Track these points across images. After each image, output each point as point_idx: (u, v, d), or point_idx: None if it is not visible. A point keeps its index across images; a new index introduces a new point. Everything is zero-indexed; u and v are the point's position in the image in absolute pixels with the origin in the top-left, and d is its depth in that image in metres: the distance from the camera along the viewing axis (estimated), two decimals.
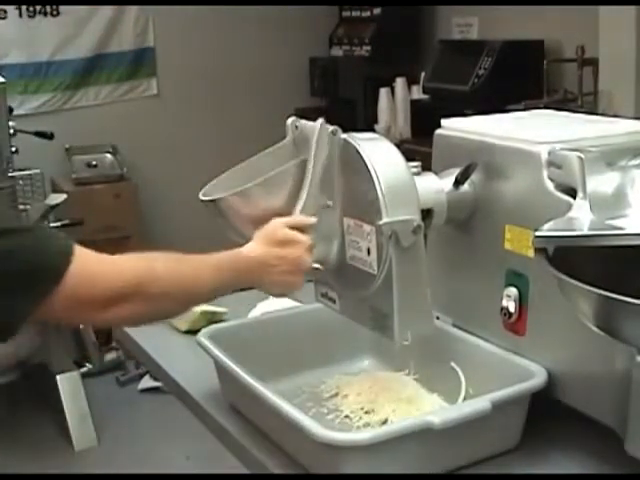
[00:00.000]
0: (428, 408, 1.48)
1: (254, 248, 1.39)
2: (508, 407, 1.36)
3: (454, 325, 1.60)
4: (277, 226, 1.41)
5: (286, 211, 1.45)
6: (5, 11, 4.45)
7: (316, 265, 1.46)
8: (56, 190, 4.18)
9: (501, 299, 1.48)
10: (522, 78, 3.89)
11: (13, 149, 3.52)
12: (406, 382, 1.57)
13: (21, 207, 3.55)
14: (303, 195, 1.44)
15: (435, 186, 1.52)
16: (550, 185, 1.40)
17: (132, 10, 4.69)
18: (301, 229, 1.42)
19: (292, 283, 1.43)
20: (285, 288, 1.46)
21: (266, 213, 1.45)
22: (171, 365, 1.75)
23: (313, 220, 1.44)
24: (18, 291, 1.18)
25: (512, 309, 1.47)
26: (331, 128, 1.43)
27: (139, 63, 4.77)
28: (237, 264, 1.38)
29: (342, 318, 1.56)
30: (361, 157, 1.39)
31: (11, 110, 3.66)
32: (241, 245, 1.44)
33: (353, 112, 4.67)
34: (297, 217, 1.44)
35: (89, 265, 1.23)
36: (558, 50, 4.02)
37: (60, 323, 1.24)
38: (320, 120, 1.44)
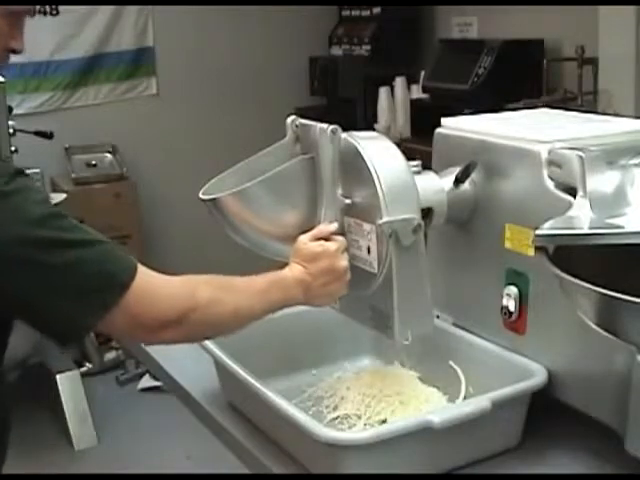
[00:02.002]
0: (428, 408, 1.48)
1: (293, 269, 1.40)
2: (508, 406, 1.36)
3: (454, 324, 1.60)
4: (302, 243, 1.42)
5: (286, 210, 1.45)
6: None
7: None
8: (56, 190, 4.18)
9: (501, 298, 1.48)
10: (522, 77, 3.89)
11: (13, 148, 3.52)
12: (406, 381, 1.57)
13: None
14: (323, 199, 1.44)
15: (435, 185, 1.52)
16: (550, 184, 1.40)
17: (132, 10, 4.68)
18: (326, 237, 1.43)
19: (336, 291, 1.44)
20: (331, 298, 1.46)
21: (266, 212, 1.45)
22: (171, 365, 1.75)
23: (334, 226, 1.44)
24: (82, 303, 1.20)
25: (512, 308, 1.47)
26: (331, 127, 1.43)
27: (139, 62, 4.77)
28: (281, 285, 1.38)
29: (342, 318, 1.56)
30: (361, 156, 1.38)
31: (11, 109, 3.66)
32: (242, 247, 1.45)
33: (353, 111, 4.66)
34: (318, 228, 1.44)
35: (151, 284, 1.25)
36: (558, 49, 4.02)
37: (122, 339, 1.28)
38: (319, 125, 1.44)
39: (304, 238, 1.43)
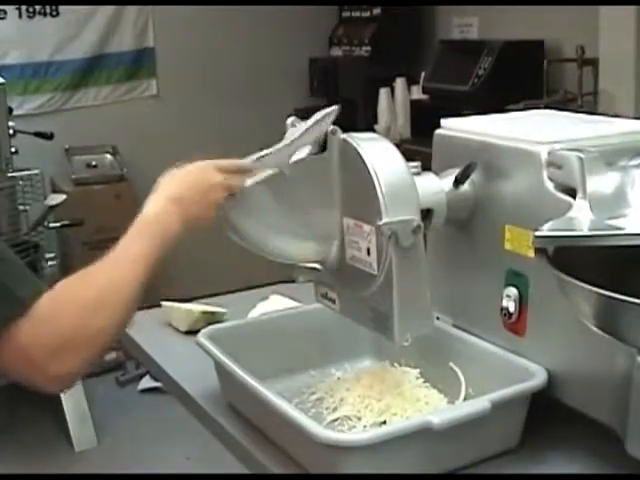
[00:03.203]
0: (428, 409, 1.48)
1: (150, 204, 1.31)
2: (508, 407, 1.36)
3: (454, 325, 1.60)
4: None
5: (286, 210, 1.45)
6: (5, 11, 4.45)
7: (315, 265, 1.46)
8: (56, 190, 4.18)
9: (501, 299, 1.48)
10: (522, 78, 3.89)
11: (13, 149, 3.52)
12: (406, 382, 1.56)
13: (21, 207, 3.55)
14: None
15: (435, 186, 1.52)
16: (550, 185, 1.40)
17: (132, 10, 4.69)
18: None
19: (211, 202, 1.35)
20: (208, 211, 1.36)
21: (265, 212, 1.45)
22: (171, 365, 1.75)
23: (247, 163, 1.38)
24: None
25: (512, 309, 1.47)
26: (331, 128, 1.43)
27: (139, 63, 4.77)
28: (144, 232, 1.27)
29: (342, 318, 1.56)
30: (361, 157, 1.38)
31: (11, 110, 3.66)
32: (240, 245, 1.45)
33: (353, 112, 4.67)
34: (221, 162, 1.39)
35: (47, 307, 1.15)
36: (558, 50, 4.02)
37: (12, 376, 1.15)
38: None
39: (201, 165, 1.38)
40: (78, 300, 1.18)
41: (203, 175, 1.36)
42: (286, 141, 1.43)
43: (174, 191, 1.33)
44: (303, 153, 1.42)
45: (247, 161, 1.41)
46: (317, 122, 1.43)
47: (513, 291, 1.47)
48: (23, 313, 1.13)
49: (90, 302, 1.18)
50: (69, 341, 1.15)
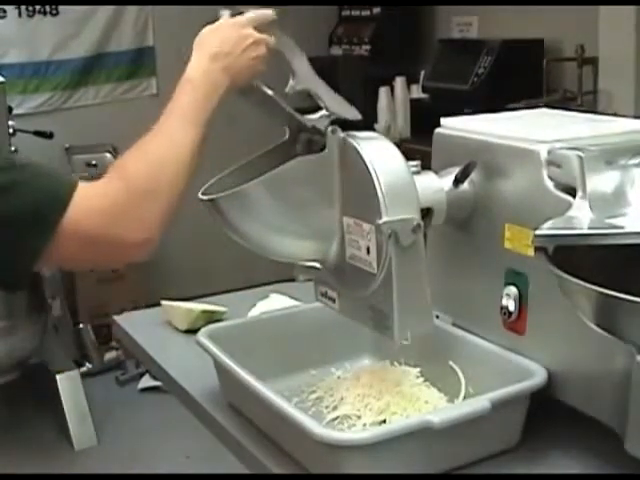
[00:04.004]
0: (428, 408, 1.48)
1: (194, 61, 1.32)
2: (508, 406, 1.36)
3: (454, 324, 1.60)
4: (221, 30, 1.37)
5: (286, 209, 1.45)
6: (4, 10, 4.45)
7: (315, 264, 1.46)
8: None
9: (501, 298, 1.48)
10: (522, 77, 3.89)
11: (12, 148, 3.52)
12: (406, 381, 1.56)
13: None
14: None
15: (435, 185, 1.52)
16: (550, 184, 1.40)
17: (132, 10, 4.69)
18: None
19: (256, 59, 1.37)
20: (253, 69, 1.40)
21: (266, 212, 1.45)
22: (171, 364, 1.75)
23: (269, 13, 1.40)
24: (24, 228, 1.13)
25: (512, 308, 1.47)
26: (330, 127, 1.43)
27: (139, 62, 4.77)
28: (196, 89, 1.29)
29: (342, 318, 1.56)
30: (360, 156, 1.38)
31: (10, 109, 3.66)
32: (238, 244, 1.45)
33: None
34: (246, 16, 1.39)
35: (92, 196, 1.19)
36: (558, 49, 4.02)
37: (79, 267, 1.19)
38: None
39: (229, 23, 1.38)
40: (143, 159, 1.23)
41: (238, 30, 1.36)
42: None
43: (214, 47, 1.33)
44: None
45: (269, 11, 1.41)
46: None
47: (513, 290, 1.47)
48: (68, 201, 1.15)
49: (155, 159, 1.23)
50: (144, 194, 1.19)
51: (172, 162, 1.24)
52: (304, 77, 1.44)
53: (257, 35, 1.38)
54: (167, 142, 1.25)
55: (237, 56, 1.34)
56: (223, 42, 1.34)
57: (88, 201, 1.18)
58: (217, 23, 1.38)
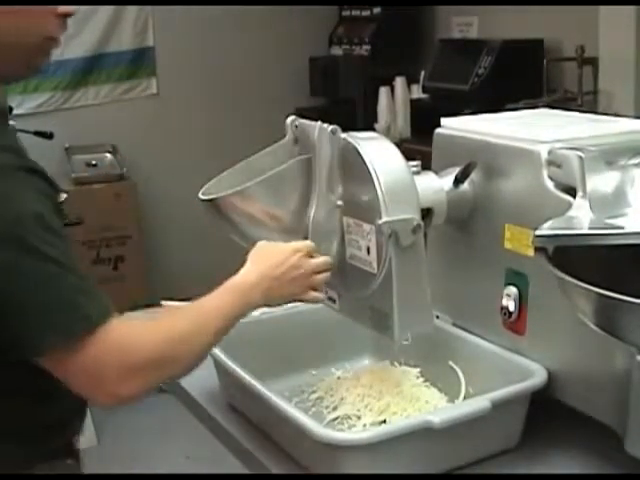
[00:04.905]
0: (428, 408, 1.48)
1: (247, 272, 1.36)
2: (508, 406, 1.36)
3: (454, 324, 1.60)
4: (262, 243, 1.40)
5: (285, 210, 1.45)
6: None
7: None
8: None
9: (501, 298, 1.48)
10: (522, 77, 3.88)
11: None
12: (406, 381, 1.56)
13: None
14: (314, 198, 1.43)
15: (435, 185, 1.52)
16: (550, 184, 1.40)
17: (132, 10, 4.68)
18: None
19: (293, 292, 1.39)
20: (286, 299, 1.42)
21: (265, 212, 1.45)
22: None
23: (329, 260, 1.43)
24: (44, 319, 1.12)
25: (512, 308, 1.47)
26: (330, 127, 1.43)
27: (139, 62, 4.76)
28: (237, 294, 1.33)
29: (342, 318, 1.56)
30: (361, 156, 1.39)
31: (11, 109, 3.66)
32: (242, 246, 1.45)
33: (353, 111, 4.66)
34: (306, 243, 1.42)
35: (124, 332, 1.18)
36: (558, 49, 4.01)
37: (72, 386, 1.18)
38: (319, 123, 1.44)
39: (290, 247, 1.39)
40: (162, 331, 1.23)
41: (292, 258, 1.38)
42: None
43: (265, 268, 1.36)
44: None
45: (329, 259, 1.43)
46: None
47: (513, 290, 1.47)
48: (90, 330, 1.14)
49: (174, 335, 1.23)
50: (144, 365, 1.19)
51: (194, 344, 1.27)
52: None
53: (309, 267, 1.40)
54: (193, 324, 1.27)
55: (281, 283, 1.37)
56: (277, 266, 1.37)
57: (121, 335, 1.18)
58: (280, 246, 1.40)
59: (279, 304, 1.43)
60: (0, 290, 1.11)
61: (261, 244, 1.41)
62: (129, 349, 1.18)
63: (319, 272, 1.41)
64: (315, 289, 1.41)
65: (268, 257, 1.38)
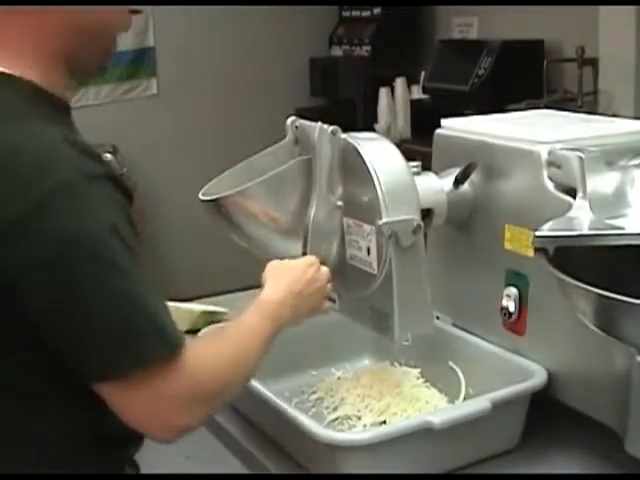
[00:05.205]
0: (428, 408, 1.48)
1: (270, 292, 1.33)
2: (508, 407, 1.36)
3: (454, 325, 1.60)
4: (275, 262, 1.39)
5: (286, 210, 1.45)
6: None
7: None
8: None
9: (501, 299, 1.48)
10: (522, 78, 3.89)
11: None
12: (406, 382, 1.56)
13: None
14: (314, 198, 1.44)
15: (435, 186, 1.52)
16: (550, 185, 1.40)
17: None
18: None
19: (317, 304, 1.40)
20: (312, 312, 1.41)
21: (266, 212, 1.45)
22: None
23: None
24: (118, 340, 1.03)
25: (512, 309, 1.47)
26: (331, 128, 1.43)
27: (139, 63, 4.77)
28: (266, 315, 1.29)
29: (342, 318, 1.56)
30: (361, 157, 1.39)
31: None
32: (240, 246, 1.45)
33: (353, 112, 4.66)
34: (313, 257, 1.41)
35: (197, 360, 1.11)
36: (558, 50, 4.02)
37: (130, 418, 1.08)
38: (319, 124, 1.44)
39: (303, 262, 1.39)
40: (218, 358, 1.17)
41: (307, 271, 1.37)
42: None
43: (286, 284, 1.34)
44: None
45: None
46: None
47: (513, 291, 1.47)
48: (173, 357, 1.06)
49: (229, 362, 1.19)
50: (213, 395, 1.14)
51: (245, 368, 1.23)
52: None
53: (324, 279, 1.39)
54: (241, 347, 1.24)
55: (304, 298, 1.36)
56: (296, 282, 1.35)
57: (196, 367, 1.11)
58: (291, 262, 1.39)
59: (304, 320, 1.40)
60: (77, 306, 1.02)
61: (273, 263, 1.39)
62: (201, 379, 1.11)
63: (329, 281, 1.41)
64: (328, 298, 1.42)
65: (285, 274, 1.35)
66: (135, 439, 1.21)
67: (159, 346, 1.05)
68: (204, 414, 1.14)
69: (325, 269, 1.40)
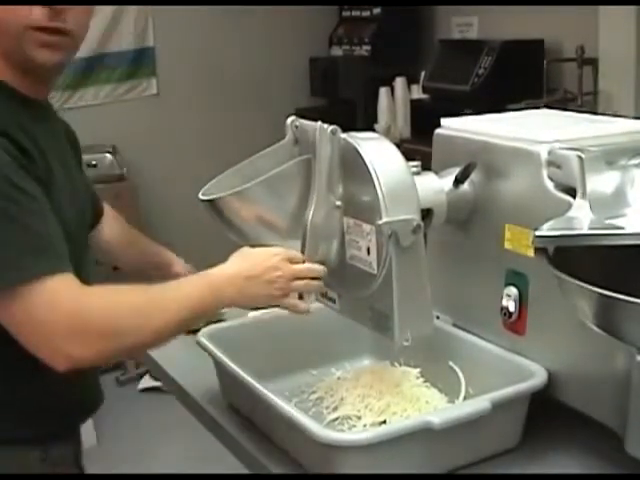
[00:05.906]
0: (428, 408, 1.48)
1: (226, 267, 1.38)
2: (508, 407, 1.36)
3: (454, 325, 1.60)
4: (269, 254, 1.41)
5: (285, 210, 1.45)
6: None
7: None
8: None
9: (501, 299, 1.48)
10: (522, 78, 3.89)
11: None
12: (406, 382, 1.56)
13: None
14: (313, 198, 1.43)
15: (435, 186, 1.52)
16: (550, 185, 1.40)
17: (131, 9, 4.68)
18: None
19: (274, 298, 1.41)
20: (265, 302, 1.44)
21: (265, 212, 1.45)
22: (171, 365, 1.75)
23: (319, 268, 1.43)
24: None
25: (512, 309, 1.47)
26: (331, 128, 1.43)
27: (139, 63, 4.76)
28: (207, 286, 1.34)
29: (342, 318, 1.56)
30: (361, 157, 1.38)
31: None
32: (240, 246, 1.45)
33: (353, 112, 4.66)
34: (294, 253, 1.42)
35: (74, 292, 1.23)
36: (558, 50, 4.02)
37: (23, 341, 1.23)
38: (319, 123, 1.44)
39: (276, 252, 1.41)
40: (114, 300, 1.26)
41: (271, 260, 1.40)
42: None
43: (243, 266, 1.39)
44: None
45: (319, 268, 1.44)
46: None
47: (513, 291, 1.47)
48: (31, 280, 1.18)
49: (128, 308, 1.27)
50: (93, 328, 1.22)
51: (148, 321, 1.28)
52: None
53: (288, 271, 1.40)
54: (153, 301, 1.30)
55: (257, 283, 1.38)
56: (254, 265, 1.39)
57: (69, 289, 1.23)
58: (261, 249, 1.42)
59: (254, 305, 1.46)
60: None
61: (243, 248, 1.43)
62: (85, 311, 1.21)
63: (301, 278, 1.41)
64: (301, 296, 1.42)
65: (247, 257, 1.40)
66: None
67: (40, 262, 1.20)
68: (96, 350, 1.22)
69: (299, 266, 1.41)
